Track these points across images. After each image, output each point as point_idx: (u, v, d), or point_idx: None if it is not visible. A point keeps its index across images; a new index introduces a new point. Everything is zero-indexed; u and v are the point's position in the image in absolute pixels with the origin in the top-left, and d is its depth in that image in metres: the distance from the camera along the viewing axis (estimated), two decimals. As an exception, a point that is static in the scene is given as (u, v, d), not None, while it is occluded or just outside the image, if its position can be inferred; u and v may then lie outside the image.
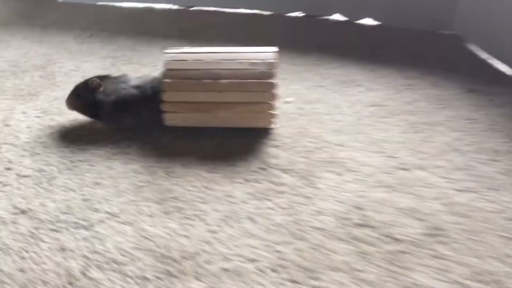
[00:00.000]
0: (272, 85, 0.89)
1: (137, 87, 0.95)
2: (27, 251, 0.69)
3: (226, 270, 0.65)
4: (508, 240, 0.68)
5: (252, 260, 0.66)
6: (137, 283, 0.63)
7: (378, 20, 1.56)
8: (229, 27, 1.59)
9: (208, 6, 1.77)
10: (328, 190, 0.80)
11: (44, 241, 0.71)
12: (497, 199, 0.76)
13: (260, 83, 0.89)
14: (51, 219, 0.75)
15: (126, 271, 0.65)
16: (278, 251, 0.68)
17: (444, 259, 0.65)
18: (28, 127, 1.01)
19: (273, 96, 0.90)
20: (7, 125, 1.01)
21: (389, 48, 1.37)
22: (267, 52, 0.92)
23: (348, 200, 0.77)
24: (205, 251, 0.68)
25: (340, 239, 0.69)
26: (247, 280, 0.63)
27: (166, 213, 0.76)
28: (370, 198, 0.78)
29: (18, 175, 0.86)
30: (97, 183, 0.83)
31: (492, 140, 0.92)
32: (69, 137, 0.97)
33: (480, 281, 0.62)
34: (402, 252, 0.67)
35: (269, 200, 0.78)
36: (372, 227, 0.71)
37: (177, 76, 0.91)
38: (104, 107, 0.94)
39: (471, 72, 1.20)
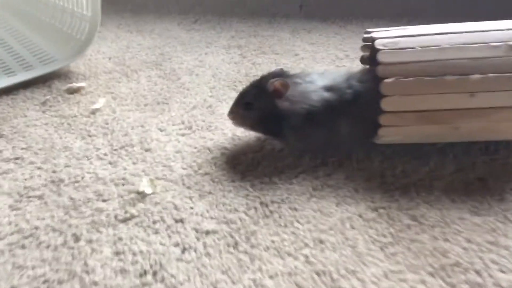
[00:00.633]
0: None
1: (330, 88, 0.67)
2: None
3: None
4: None
5: None
6: None
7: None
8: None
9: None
10: None
11: None
12: None
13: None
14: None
15: None
16: None
17: None
18: (177, 152, 0.74)
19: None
20: (148, 150, 0.75)
21: None
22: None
23: None
24: None
25: None
26: None
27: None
28: None
29: (197, 230, 0.58)
30: (320, 241, 0.56)
31: None
32: (240, 165, 0.70)
33: None
34: None
35: None
36: None
37: (402, 72, 0.62)
38: (291, 120, 0.67)
39: None
